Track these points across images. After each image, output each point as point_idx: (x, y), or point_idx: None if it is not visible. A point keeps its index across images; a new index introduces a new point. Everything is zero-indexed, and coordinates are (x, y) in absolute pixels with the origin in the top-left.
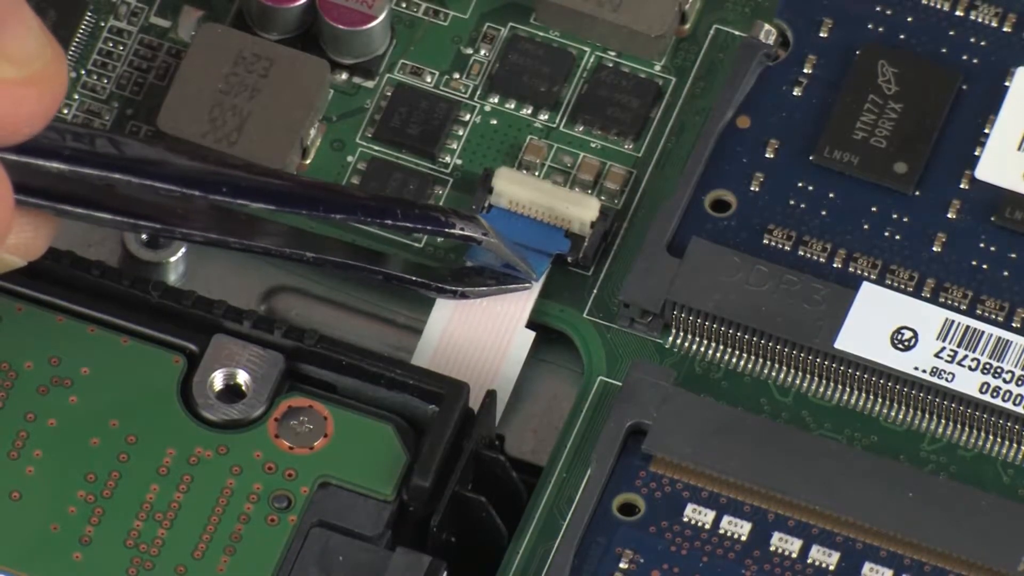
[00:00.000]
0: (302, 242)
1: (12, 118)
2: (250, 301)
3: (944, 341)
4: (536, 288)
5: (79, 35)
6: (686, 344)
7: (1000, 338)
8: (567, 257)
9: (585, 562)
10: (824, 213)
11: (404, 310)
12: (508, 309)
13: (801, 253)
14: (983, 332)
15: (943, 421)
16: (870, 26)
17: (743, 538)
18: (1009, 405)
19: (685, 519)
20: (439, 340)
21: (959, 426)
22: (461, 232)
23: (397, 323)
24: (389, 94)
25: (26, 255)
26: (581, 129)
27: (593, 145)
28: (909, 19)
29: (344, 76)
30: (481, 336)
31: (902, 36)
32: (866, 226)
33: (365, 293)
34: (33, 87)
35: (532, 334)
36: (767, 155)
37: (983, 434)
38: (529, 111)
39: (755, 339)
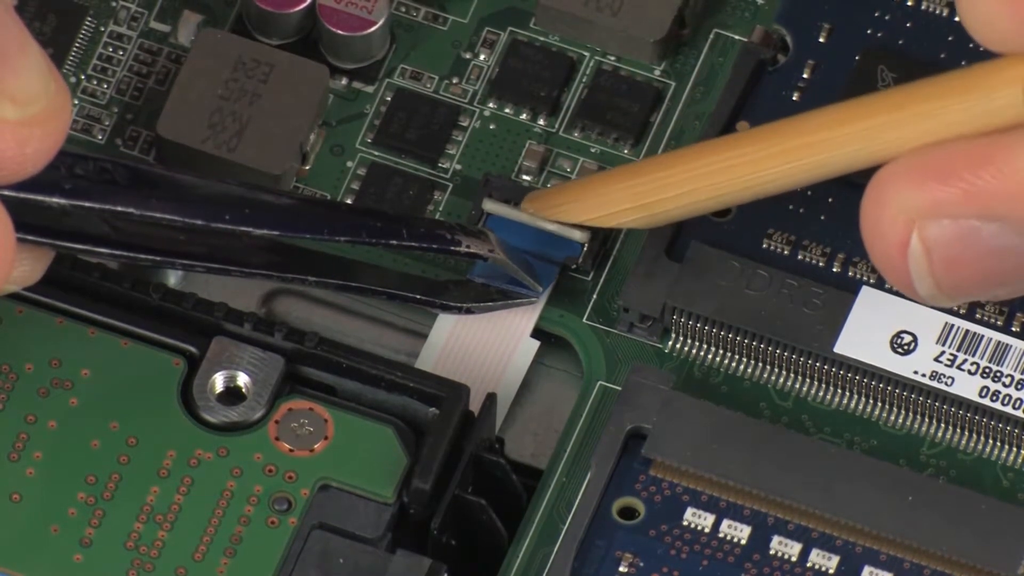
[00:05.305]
0: (304, 265)
1: (16, 158)
2: (250, 303)
3: (943, 345)
4: (543, 299)
5: (79, 40)
6: (685, 348)
7: (1000, 342)
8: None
9: (585, 565)
10: (823, 217)
11: (405, 313)
12: (513, 319)
13: (800, 257)
14: (982, 336)
15: (943, 425)
16: (869, 31)
17: (743, 542)
18: (1008, 409)
19: (685, 523)
20: (443, 347)
21: (959, 430)
22: (467, 250)
23: (397, 326)
24: (389, 99)
25: (23, 283)
26: (580, 134)
27: (592, 150)
28: (908, 24)
29: (344, 81)
30: (485, 345)
31: (901, 41)
32: None
33: (365, 296)
34: (37, 126)
35: (536, 343)
36: None
37: (982, 438)
38: (528, 116)
39: (754, 343)
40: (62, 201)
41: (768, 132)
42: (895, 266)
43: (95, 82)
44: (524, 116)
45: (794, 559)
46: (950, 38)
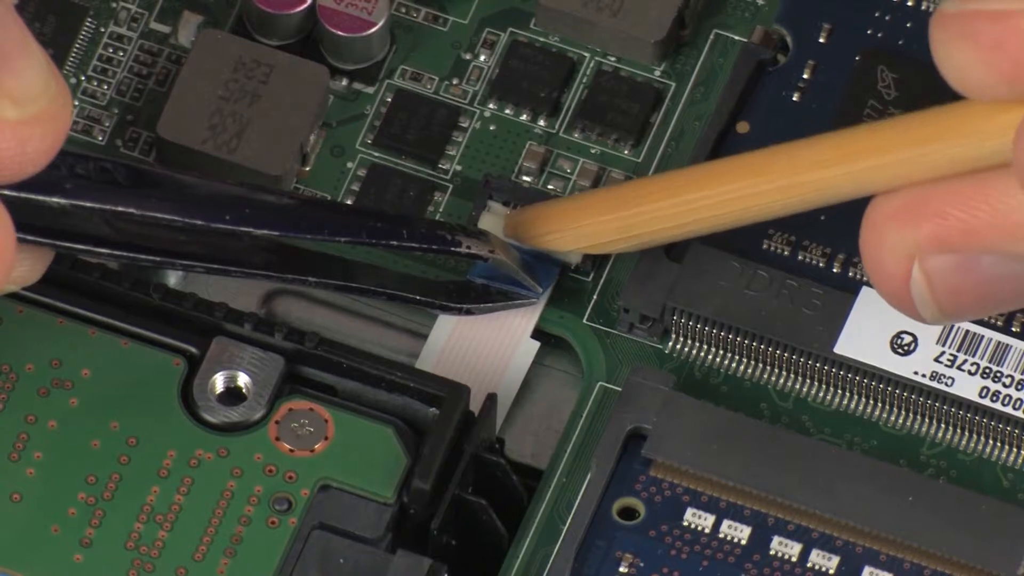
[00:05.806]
0: (304, 265)
1: (16, 158)
2: (250, 304)
3: (944, 345)
4: (543, 299)
5: (79, 41)
6: (686, 349)
7: (1000, 342)
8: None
9: (585, 566)
10: (823, 218)
11: (405, 313)
12: (514, 319)
13: (800, 258)
14: (983, 336)
15: (943, 425)
16: (869, 31)
17: (743, 542)
18: (1009, 409)
19: (685, 523)
20: (443, 348)
21: (959, 430)
22: (467, 251)
23: (398, 326)
24: (389, 100)
25: (23, 283)
26: (580, 134)
27: (592, 151)
28: (908, 24)
29: (344, 82)
30: (486, 346)
31: (901, 41)
32: None
33: (366, 297)
34: (37, 126)
35: (537, 344)
36: None
37: (983, 438)
38: (529, 117)
39: (755, 344)
40: (62, 201)
41: (761, 164)
42: (899, 296)
43: (95, 83)
44: (524, 117)
45: (794, 559)
46: None
